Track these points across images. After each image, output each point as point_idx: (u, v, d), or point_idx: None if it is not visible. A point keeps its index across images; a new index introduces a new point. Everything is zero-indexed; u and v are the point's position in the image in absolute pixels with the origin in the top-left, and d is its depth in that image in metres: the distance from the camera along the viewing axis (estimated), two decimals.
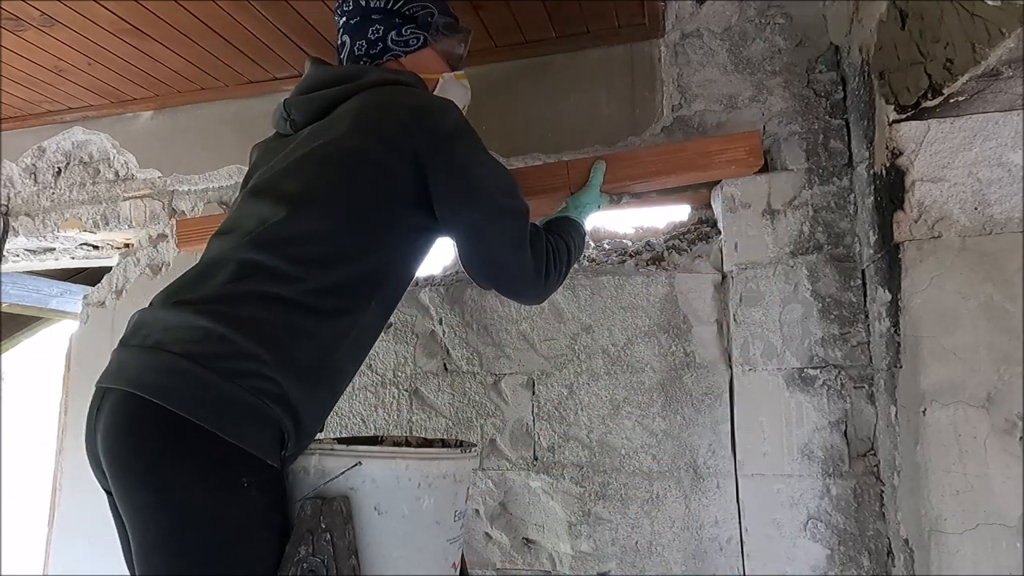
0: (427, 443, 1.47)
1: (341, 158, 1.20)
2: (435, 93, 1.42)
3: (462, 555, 1.29)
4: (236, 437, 1.00)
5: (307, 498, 1.07)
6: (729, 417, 1.63)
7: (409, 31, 1.41)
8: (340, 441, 1.27)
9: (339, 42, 1.45)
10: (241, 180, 1.49)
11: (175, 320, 1.07)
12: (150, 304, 1.15)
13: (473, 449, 1.25)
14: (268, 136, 1.45)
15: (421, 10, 1.43)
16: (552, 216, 1.57)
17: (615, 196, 1.76)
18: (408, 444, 1.48)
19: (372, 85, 1.30)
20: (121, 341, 1.12)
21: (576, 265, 1.82)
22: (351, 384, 1.86)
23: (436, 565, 1.15)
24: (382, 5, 1.41)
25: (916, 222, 1.29)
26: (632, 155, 1.69)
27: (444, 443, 1.42)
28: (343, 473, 1.08)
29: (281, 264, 1.10)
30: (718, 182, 1.72)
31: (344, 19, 1.44)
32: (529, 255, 1.30)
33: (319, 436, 1.38)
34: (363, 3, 1.42)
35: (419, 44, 1.42)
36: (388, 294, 1.25)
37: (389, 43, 1.40)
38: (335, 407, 1.90)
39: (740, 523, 1.57)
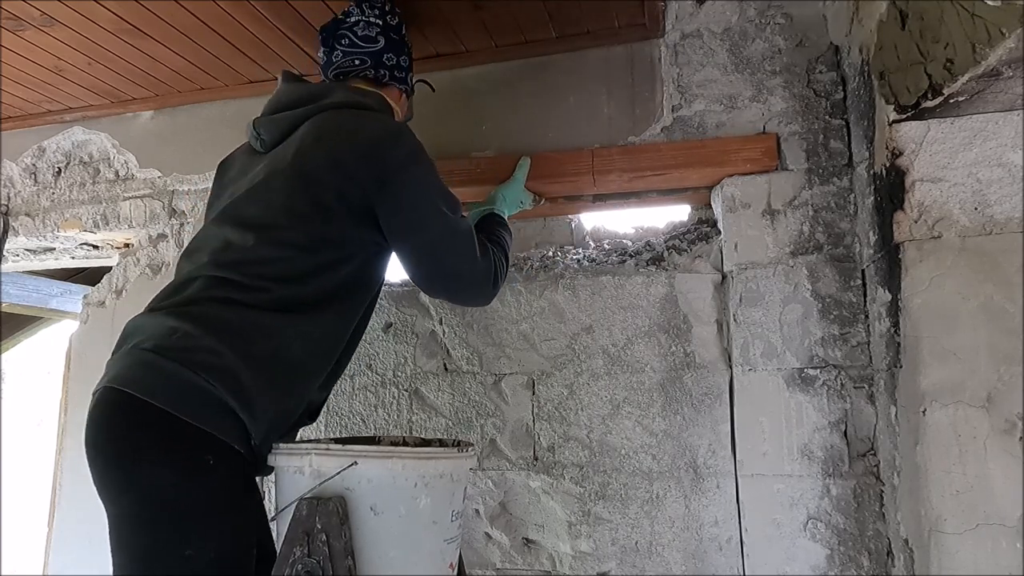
0: (425, 443, 1.47)
1: (298, 184, 1.27)
2: None
3: (460, 556, 1.29)
4: (194, 418, 1.09)
5: (303, 498, 1.06)
6: (729, 417, 1.63)
7: (412, 80, 1.61)
8: (336, 441, 1.27)
9: (368, 32, 1.52)
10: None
11: (150, 323, 1.19)
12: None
13: (470, 449, 1.24)
14: (241, 149, 1.52)
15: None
16: (480, 211, 1.63)
17: (538, 197, 1.82)
18: (405, 444, 1.47)
19: (333, 107, 1.37)
20: (113, 351, 1.22)
21: (576, 265, 1.82)
22: (351, 384, 1.87)
23: (433, 565, 1.14)
24: (408, 48, 1.60)
25: (916, 222, 1.29)
26: (655, 147, 1.75)
27: (442, 443, 1.41)
28: (339, 473, 1.07)
29: (245, 280, 1.21)
30: (719, 182, 1.73)
31: (383, 22, 1.54)
32: (480, 265, 1.38)
33: (319, 436, 1.39)
34: (403, 31, 1.58)
35: (409, 93, 1.62)
36: (348, 302, 1.33)
37: (408, 78, 1.58)
38: (333, 406, 1.90)
39: (740, 523, 1.57)
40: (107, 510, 1.12)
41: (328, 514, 1.05)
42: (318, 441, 1.23)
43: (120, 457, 1.11)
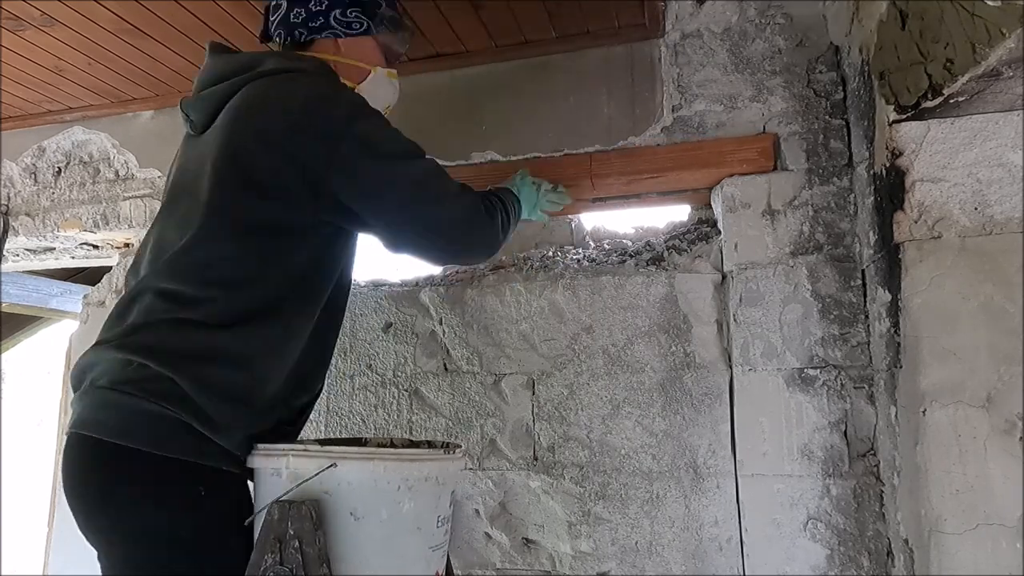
0: (412, 444, 1.43)
1: (228, 168, 1.14)
2: (364, 84, 1.38)
3: (448, 564, 1.24)
4: (173, 451, 1.04)
5: (275, 502, 1.01)
6: (729, 417, 1.62)
7: (354, 14, 1.35)
8: (319, 443, 1.22)
9: (272, 3, 1.37)
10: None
11: (101, 359, 1.11)
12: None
13: (457, 450, 1.18)
14: (184, 135, 1.37)
15: None
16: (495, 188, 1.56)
17: (556, 188, 1.72)
18: (393, 446, 1.42)
19: (262, 76, 1.20)
20: (73, 387, 1.16)
21: (576, 265, 1.82)
22: (351, 384, 1.87)
23: (418, 574, 1.10)
24: None
25: (916, 222, 1.29)
26: (651, 151, 1.75)
27: (431, 444, 1.36)
28: (316, 475, 1.02)
29: (191, 290, 1.11)
30: (719, 182, 1.73)
31: None
32: (465, 200, 1.27)
33: (319, 437, 1.36)
34: None
35: (361, 29, 1.36)
36: (310, 299, 1.22)
37: (331, 20, 1.34)
38: (333, 406, 1.90)
39: (740, 523, 1.57)
40: (98, 554, 1.08)
41: (301, 518, 0.99)
42: (300, 441, 1.18)
43: (105, 505, 1.05)
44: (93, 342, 1.16)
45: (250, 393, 1.13)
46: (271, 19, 1.38)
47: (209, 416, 1.06)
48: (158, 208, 1.30)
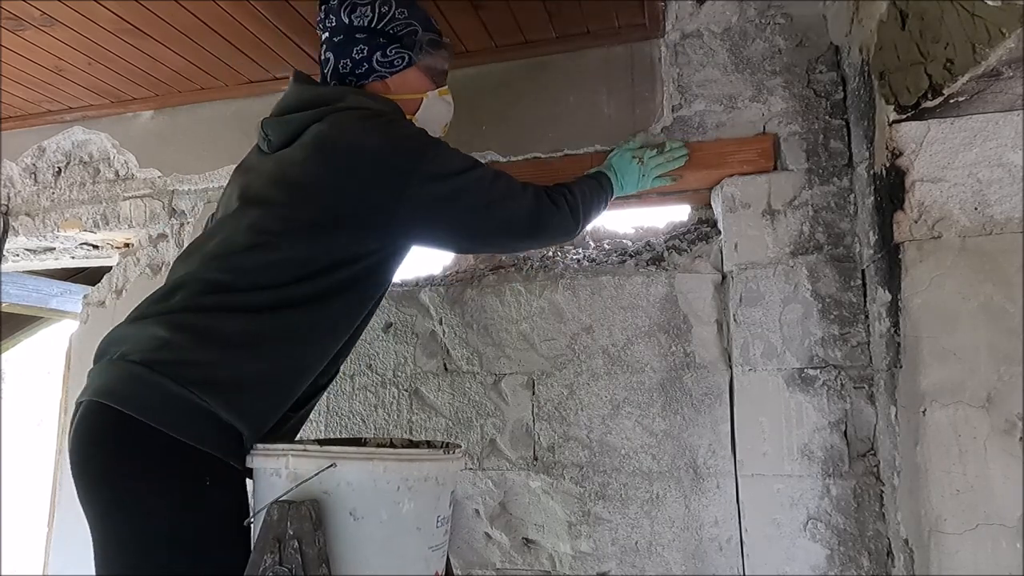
0: (412, 444, 1.43)
1: (301, 190, 1.23)
2: (419, 112, 1.46)
3: (448, 564, 1.24)
4: (190, 437, 1.06)
5: (275, 502, 1.01)
6: (729, 417, 1.62)
7: (394, 51, 1.41)
8: (319, 443, 1.22)
9: (322, 57, 1.45)
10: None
11: (137, 332, 1.14)
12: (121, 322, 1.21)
13: (457, 451, 1.18)
14: (253, 149, 1.46)
15: (405, 28, 1.42)
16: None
17: (661, 154, 1.69)
18: (392, 446, 1.42)
19: (341, 111, 1.30)
20: (95, 359, 1.18)
21: (576, 265, 1.82)
22: (351, 384, 1.88)
23: (417, 574, 1.10)
24: (366, 24, 1.40)
25: (916, 222, 1.29)
26: None
27: (430, 444, 1.36)
28: (316, 475, 1.02)
29: (242, 284, 1.17)
30: (719, 183, 1.73)
31: (327, 35, 1.43)
32: (529, 194, 1.38)
33: (319, 437, 1.36)
34: (346, 21, 1.40)
35: (404, 64, 1.43)
36: (361, 304, 1.30)
37: (375, 64, 1.41)
38: (333, 406, 1.90)
39: (740, 523, 1.57)
40: (92, 529, 1.08)
41: (300, 519, 0.99)
42: (300, 441, 1.19)
43: (110, 477, 1.07)
44: (132, 315, 1.19)
45: (279, 387, 1.19)
46: (324, 71, 1.45)
47: (234, 402, 1.10)
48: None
